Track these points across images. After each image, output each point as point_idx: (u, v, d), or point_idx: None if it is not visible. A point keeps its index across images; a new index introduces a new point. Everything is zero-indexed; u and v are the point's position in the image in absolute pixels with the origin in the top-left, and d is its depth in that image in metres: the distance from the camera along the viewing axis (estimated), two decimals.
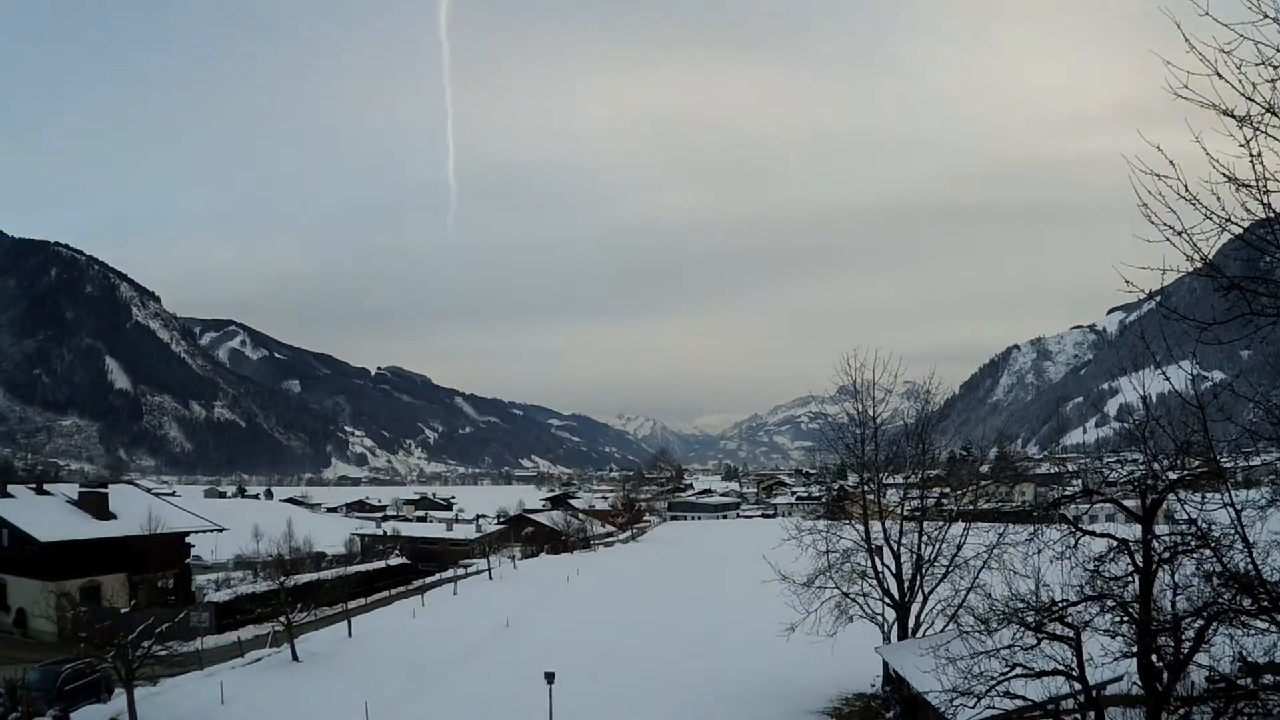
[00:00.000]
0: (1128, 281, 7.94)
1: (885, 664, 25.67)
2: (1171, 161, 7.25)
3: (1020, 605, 14.44)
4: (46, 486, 49.92)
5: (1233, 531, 10.92)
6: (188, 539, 49.69)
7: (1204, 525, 11.80)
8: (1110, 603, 13.68)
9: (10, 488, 46.81)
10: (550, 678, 24.40)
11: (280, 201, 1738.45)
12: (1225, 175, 7.17)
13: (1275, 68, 6.74)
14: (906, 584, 26.86)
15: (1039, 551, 14.38)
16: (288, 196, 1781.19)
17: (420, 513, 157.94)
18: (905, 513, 28.49)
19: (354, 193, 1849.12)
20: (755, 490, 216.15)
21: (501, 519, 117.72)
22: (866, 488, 29.68)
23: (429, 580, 64.59)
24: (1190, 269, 7.75)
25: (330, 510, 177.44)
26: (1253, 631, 12.04)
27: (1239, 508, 10.79)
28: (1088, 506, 15.06)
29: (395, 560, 67.88)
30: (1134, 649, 13.59)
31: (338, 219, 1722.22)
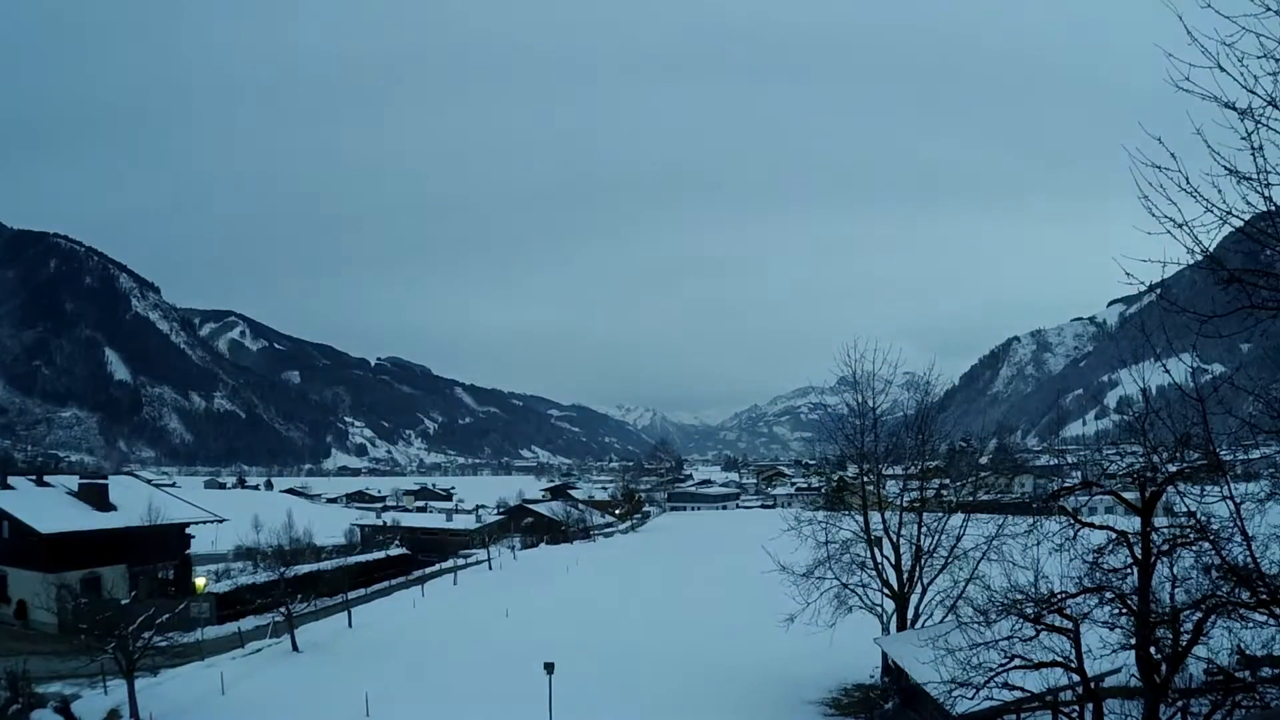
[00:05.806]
0: (1128, 274, 7.90)
1: (884, 655, 25.76)
2: (1173, 154, 7.21)
3: (1019, 597, 14.46)
4: (46, 478, 49.94)
5: (1231, 524, 10.89)
6: (188, 530, 49.74)
7: (1203, 518, 11.77)
8: (1109, 595, 13.69)
9: (10, 479, 46.80)
10: (550, 668, 24.48)
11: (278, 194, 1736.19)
12: (1226, 168, 7.13)
13: (1277, 60, 6.70)
14: (905, 575, 26.95)
15: (1038, 543, 14.36)
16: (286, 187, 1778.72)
17: (420, 503, 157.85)
18: (904, 504, 28.52)
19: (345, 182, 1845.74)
20: (755, 481, 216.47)
21: (501, 509, 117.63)
22: (866, 479, 29.69)
23: (429, 570, 64.84)
24: (1191, 262, 7.70)
25: (330, 501, 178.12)
26: (1251, 624, 12.05)
27: (1238, 501, 10.75)
28: (1087, 498, 15.02)
29: (395, 551, 68.14)
30: (1132, 641, 13.61)
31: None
